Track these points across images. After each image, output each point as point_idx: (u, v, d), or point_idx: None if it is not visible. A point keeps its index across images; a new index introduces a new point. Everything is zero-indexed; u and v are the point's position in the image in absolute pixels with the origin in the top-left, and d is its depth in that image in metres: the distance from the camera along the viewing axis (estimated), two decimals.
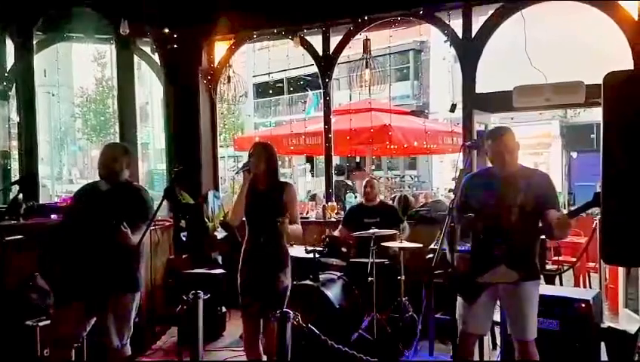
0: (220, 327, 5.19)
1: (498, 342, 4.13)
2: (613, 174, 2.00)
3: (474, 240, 3.07)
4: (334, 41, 6.16)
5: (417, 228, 5.37)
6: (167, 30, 6.28)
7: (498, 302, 3.21)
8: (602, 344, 3.77)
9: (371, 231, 4.63)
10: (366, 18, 5.89)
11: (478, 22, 5.49)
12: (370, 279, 4.58)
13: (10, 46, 6.47)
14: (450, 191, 6.62)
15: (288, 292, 3.39)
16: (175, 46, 6.32)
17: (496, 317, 3.66)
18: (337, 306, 4.31)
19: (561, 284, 5.91)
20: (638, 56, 4.75)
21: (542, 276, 3.44)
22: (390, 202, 6.63)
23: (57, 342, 3.26)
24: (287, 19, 6.14)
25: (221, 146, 8.22)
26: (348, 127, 6.95)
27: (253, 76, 17.56)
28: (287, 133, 8.30)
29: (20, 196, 5.21)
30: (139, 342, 3.99)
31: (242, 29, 6.45)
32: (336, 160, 9.68)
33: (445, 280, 3.20)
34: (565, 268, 5.97)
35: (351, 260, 4.92)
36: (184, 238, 5.92)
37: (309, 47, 6.27)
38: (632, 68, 4.61)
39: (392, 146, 9.05)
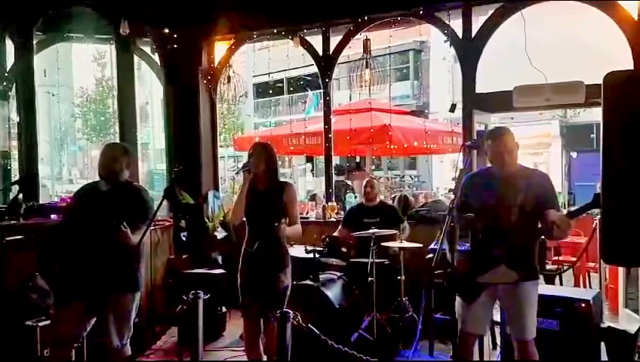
0: (220, 327, 5.19)
1: (498, 342, 4.13)
2: (613, 174, 2.00)
3: (473, 241, 3.07)
4: (334, 41, 6.16)
5: (417, 228, 5.37)
6: (167, 30, 6.28)
7: (498, 302, 3.21)
8: (602, 344, 3.77)
9: (371, 231, 4.63)
10: (366, 18, 5.89)
11: (478, 22, 5.49)
12: (370, 279, 4.58)
13: (10, 46, 6.47)
14: (450, 191, 6.63)
15: (288, 292, 3.40)
16: (175, 46, 6.32)
17: (497, 317, 3.66)
18: (337, 306, 4.31)
19: (561, 284, 5.91)
20: (638, 56, 4.75)
21: (541, 276, 3.45)
22: (390, 202, 6.63)
23: (57, 342, 3.26)
24: (287, 19, 6.14)
25: (221, 146, 8.23)
26: (348, 127, 6.95)
27: (253, 76, 17.57)
28: (287, 133, 8.30)
29: (20, 196, 5.21)
30: (139, 342, 3.99)
31: (242, 29, 6.45)
32: (336, 160, 9.66)
33: (445, 280, 3.19)
34: (565, 268, 5.97)
35: (351, 260, 4.92)
36: (184, 238, 5.92)
37: (309, 47, 6.27)
38: (632, 68, 4.62)
39: (392, 146, 9.05)
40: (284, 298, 3.36)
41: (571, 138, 16.12)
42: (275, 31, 6.42)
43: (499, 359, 4.00)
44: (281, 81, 22.52)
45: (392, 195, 8.87)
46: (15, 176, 6.55)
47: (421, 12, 5.63)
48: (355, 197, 7.31)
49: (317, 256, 4.56)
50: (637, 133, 1.96)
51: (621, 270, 4.77)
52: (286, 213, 3.39)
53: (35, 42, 6.39)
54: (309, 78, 18.52)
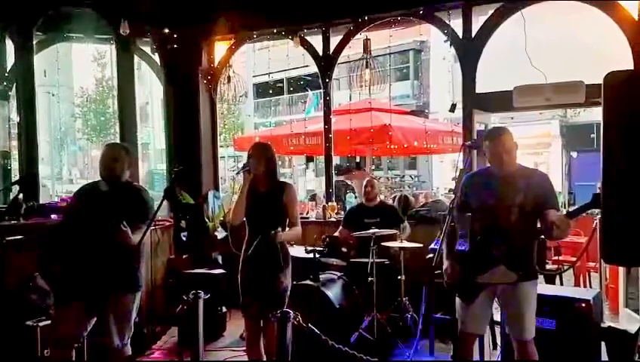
0: (220, 327, 5.19)
1: (498, 341, 4.13)
2: (613, 174, 2.00)
3: (472, 241, 3.07)
4: (334, 41, 6.16)
5: (417, 228, 5.37)
6: (167, 30, 6.28)
7: (497, 302, 3.21)
8: (602, 344, 3.77)
9: (371, 231, 4.63)
10: (366, 18, 5.88)
11: (478, 22, 5.49)
12: (370, 279, 4.58)
13: (10, 46, 6.47)
14: (450, 191, 6.62)
15: (288, 292, 3.40)
16: (175, 46, 6.32)
17: (497, 317, 3.66)
18: (337, 306, 4.31)
19: (562, 284, 5.92)
20: (638, 56, 4.75)
21: (542, 276, 3.44)
22: (390, 202, 6.63)
23: (57, 342, 3.26)
24: (287, 19, 6.14)
25: (221, 146, 8.22)
26: (348, 127, 6.95)
27: (253, 76, 17.57)
28: (287, 133, 8.30)
29: (20, 196, 5.21)
30: (139, 342, 3.99)
31: (242, 29, 6.45)
32: (336, 160, 9.65)
33: (444, 281, 3.19)
34: (565, 267, 5.97)
35: (351, 260, 4.92)
36: (184, 238, 5.92)
37: (309, 47, 6.27)
38: (632, 68, 4.61)
39: (392, 146, 9.04)
40: (284, 298, 3.36)
41: (571, 138, 16.13)
42: (275, 31, 6.42)
43: (499, 359, 4.01)
44: (281, 81, 22.54)
45: (392, 195, 8.87)
46: (15, 176, 6.54)
47: (421, 12, 5.63)
48: (355, 197, 7.32)
49: (317, 256, 4.56)
50: (637, 133, 1.96)
51: (621, 270, 4.77)
52: (286, 214, 3.39)
53: (35, 42, 6.38)
54: (309, 78, 18.53)
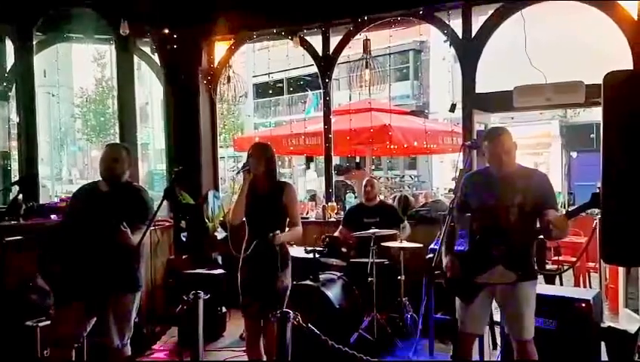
0: (220, 327, 5.19)
1: (498, 341, 4.13)
2: (613, 174, 2.00)
3: (471, 241, 3.07)
4: (334, 41, 6.16)
5: (417, 228, 5.37)
6: (167, 30, 6.28)
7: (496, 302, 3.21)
8: (602, 344, 3.77)
9: (371, 231, 4.63)
10: (366, 18, 5.88)
11: (478, 22, 5.49)
12: (370, 279, 4.58)
13: (10, 46, 6.47)
14: (450, 191, 6.62)
15: (288, 292, 3.40)
16: (175, 46, 6.32)
17: (497, 317, 3.66)
18: (337, 306, 4.31)
19: (561, 284, 5.92)
20: (638, 56, 4.75)
21: (541, 276, 3.44)
22: (390, 202, 6.63)
23: (57, 342, 3.26)
24: (287, 19, 6.14)
25: (221, 146, 8.22)
26: (348, 127, 6.94)
27: (253, 76, 17.55)
28: (287, 133, 8.29)
29: (20, 196, 5.21)
30: (139, 342, 3.99)
31: (242, 29, 6.44)
32: (336, 160, 9.66)
33: (444, 281, 3.19)
34: (565, 268, 5.97)
35: (351, 260, 4.92)
36: (184, 239, 5.92)
37: (309, 47, 6.27)
38: (632, 68, 4.61)
39: (392, 146, 9.03)
40: (284, 298, 3.36)
41: (571, 138, 16.12)
42: (275, 31, 6.41)
43: (499, 359, 4.01)
44: (281, 81, 22.54)
45: (392, 195, 8.87)
46: (15, 176, 6.54)
47: (421, 12, 5.63)
48: (355, 197, 7.32)
49: (317, 256, 4.56)
50: (637, 133, 1.96)
51: (621, 270, 4.77)
52: (286, 214, 3.39)
53: (35, 42, 6.38)
54: (309, 78, 18.53)
